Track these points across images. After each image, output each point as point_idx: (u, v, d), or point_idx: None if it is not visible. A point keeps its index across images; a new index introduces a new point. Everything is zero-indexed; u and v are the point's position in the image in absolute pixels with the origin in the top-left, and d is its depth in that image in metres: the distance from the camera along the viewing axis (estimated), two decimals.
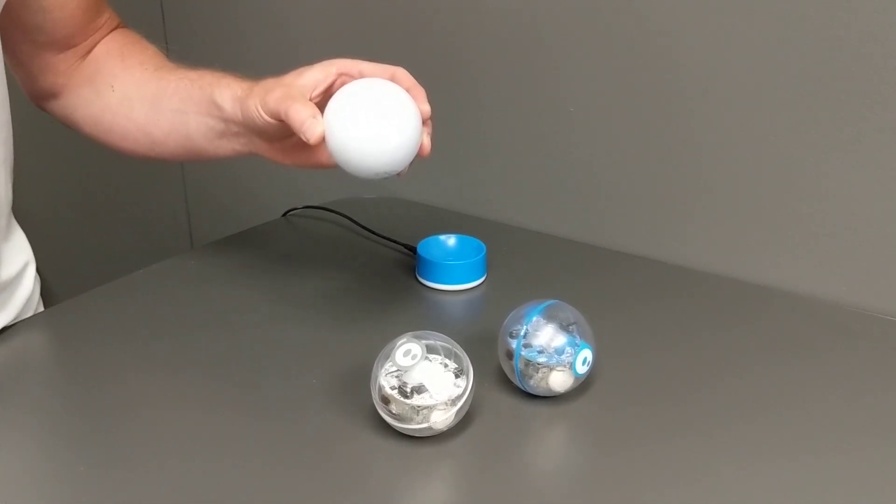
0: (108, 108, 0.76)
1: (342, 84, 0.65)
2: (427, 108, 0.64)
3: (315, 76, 0.66)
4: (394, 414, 0.57)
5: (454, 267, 0.80)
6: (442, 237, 0.85)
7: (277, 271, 0.85)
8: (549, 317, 0.62)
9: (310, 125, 0.60)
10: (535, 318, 0.61)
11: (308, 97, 0.64)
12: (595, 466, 0.57)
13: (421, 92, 0.65)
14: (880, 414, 0.62)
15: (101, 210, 1.52)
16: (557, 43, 0.88)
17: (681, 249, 0.87)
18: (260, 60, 1.13)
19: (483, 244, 0.83)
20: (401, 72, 0.65)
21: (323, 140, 0.60)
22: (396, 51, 1.01)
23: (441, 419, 0.56)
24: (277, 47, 1.12)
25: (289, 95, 0.63)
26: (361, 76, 0.65)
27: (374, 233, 0.91)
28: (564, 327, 0.62)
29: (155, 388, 0.64)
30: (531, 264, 0.87)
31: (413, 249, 0.84)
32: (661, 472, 0.56)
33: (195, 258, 0.90)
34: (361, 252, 0.89)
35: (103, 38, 0.78)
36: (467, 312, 0.79)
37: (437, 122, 0.99)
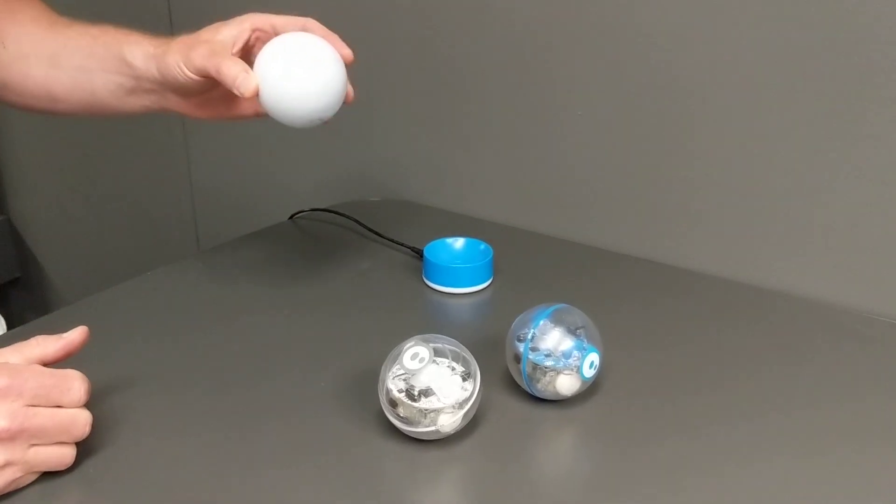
0: (2, 65, 0.74)
1: (257, 39, 0.69)
2: (348, 51, 0.67)
3: (231, 32, 0.67)
4: (401, 417, 0.56)
5: (461, 270, 0.80)
6: (448, 240, 0.85)
7: (284, 274, 0.85)
8: (557, 320, 0.62)
9: (243, 79, 0.63)
10: (542, 322, 0.61)
11: (231, 52, 0.66)
12: (602, 470, 0.57)
13: (336, 38, 0.68)
14: (883, 416, 0.62)
15: (108, 213, 1.52)
16: (562, 49, 0.88)
17: (689, 253, 0.87)
18: None
19: (490, 247, 0.83)
20: (312, 22, 0.68)
21: (255, 94, 0.63)
22: (402, 56, 1.01)
23: (448, 422, 0.56)
24: None
25: (215, 52, 0.64)
26: (274, 29, 0.68)
27: (380, 235, 0.91)
28: (572, 331, 0.62)
29: (161, 391, 0.64)
30: (538, 267, 0.87)
31: (420, 252, 0.84)
32: (669, 475, 0.55)
33: (202, 261, 0.90)
34: (368, 255, 0.89)
35: None
36: (474, 316, 0.78)
37: (444, 126, 1.01)
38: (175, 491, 0.54)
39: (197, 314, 0.77)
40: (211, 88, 0.68)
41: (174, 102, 0.72)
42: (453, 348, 0.59)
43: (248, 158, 1.26)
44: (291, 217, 0.99)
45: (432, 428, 0.56)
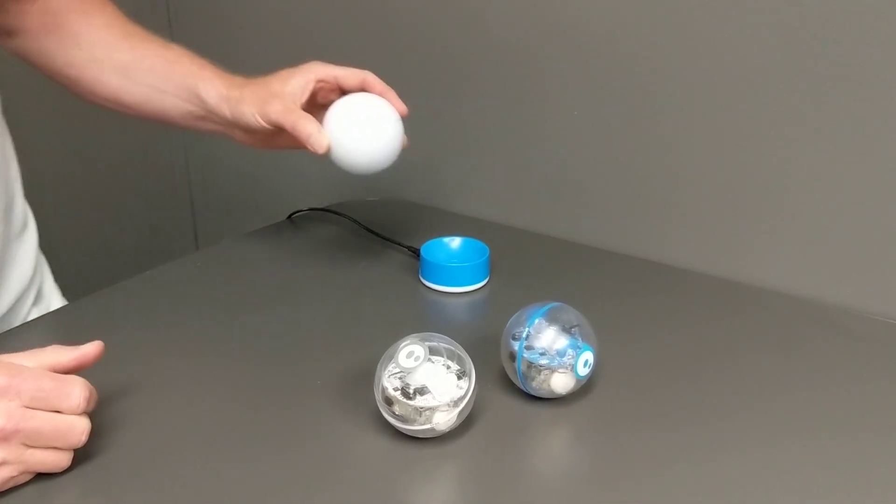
0: (75, 64, 0.78)
1: (320, 88, 0.76)
2: (403, 107, 0.75)
3: (299, 84, 0.74)
4: (397, 415, 0.57)
5: (457, 269, 0.81)
6: (445, 239, 0.86)
7: (282, 273, 0.85)
8: (552, 319, 0.62)
9: (316, 139, 0.71)
10: (537, 321, 0.62)
11: (300, 106, 0.73)
12: (597, 467, 0.57)
13: (392, 93, 0.75)
14: (873, 411, 0.62)
15: (107, 212, 1.53)
16: (558, 51, 0.89)
17: (683, 251, 0.87)
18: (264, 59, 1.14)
19: (486, 246, 0.84)
20: (371, 77, 0.76)
21: (327, 152, 0.72)
22: (399, 57, 1.01)
23: (443, 420, 0.57)
24: (282, 47, 1.13)
25: (289, 110, 0.72)
26: (336, 80, 0.76)
27: (377, 235, 0.92)
28: (567, 329, 0.62)
29: (159, 389, 0.65)
30: (534, 266, 0.88)
31: (416, 251, 0.85)
32: (664, 473, 0.56)
33: (201, 260, 0.91)
34: (365, 254, 0.89)
35: None
36: (470, 314, 0.79)
37: (441, 126, 1.01)
38: (172, 489, 0.54)
39: (195, 313, 0.77)
40: (277, 132, 0.74)
41: (239, 135, 0.79)
42: (448, 347, 0.59)
43: (247, 158, 1.27)
44: (290, 216, 1.00)
45: (427, 426, 0.56)
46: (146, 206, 1.45)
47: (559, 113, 0.91)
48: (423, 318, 0.78)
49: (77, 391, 0.52)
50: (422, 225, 0.98)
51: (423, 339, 0.59)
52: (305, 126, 0.71)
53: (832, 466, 0.57)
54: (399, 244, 0.89)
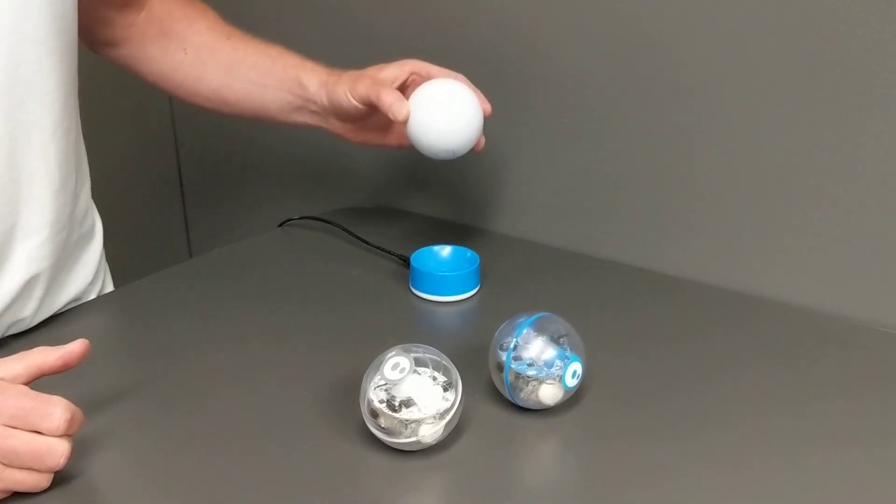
0: (180, 68, 0.83)
1: (414, 80, 0.78)
2: (488, 105, 0.77)
3: (393, 72, 0.78)
4: (382, 428, 0.57)
5: (447, 278, 0.80)
6: (436, 248, 0.85)
7: (273, 282, 0.85)
8: (540, 329, 0.62)
9: (398, 106, 0.73)
10: (525, 331, 0.61)
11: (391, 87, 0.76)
12: (585, 479, 0.57)
13: (480, 94, 0.78)
14: (868, 420, 0.62)
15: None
16: (553, 55, 0.89)
17: (673, 259, 0.87)
18: None
19: (477, 255, 0.83)
20: (461, 78, 0.78)
21: (406, 120, 0.74)
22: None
23: (429, 433, 0.56)
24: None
25: (377, 83, 0.75)
26: (429, 75, 0.78)
27: (368, 243, 0.92)
28: (555, 340, 0.62)
29: (144, 399, 0.65)
30: (525, 275, 0.87)
31: (406, 260, 0.85)
32: (653, 485, 0.55)
33: (193, 268, 0.90)
34: (356, 262, 0.89)
35: None
36: (460, 324, 0.79)
37: None
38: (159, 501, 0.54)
39: (186, 321, 0.77)
40: (367, 117, 0.78)
41: (333, 124, 0.82)
42: (434, 358, 0.59)
43: (239, 167, 1.27)
44: (281, 225, 1.00)
45: (413, 439, 0.56)
46: (139, 215, 1.45)
47: (549, 120, 0.91)
48: (413, 327, 0.78)
49: (59, 412, 0.51)
50: (413, 233, 0.98)
51: (408, 351, 0.58)
52: (388, 95, 0.74)
53: (828, 477, 0.56)
54: (389, 252, 0.89)
